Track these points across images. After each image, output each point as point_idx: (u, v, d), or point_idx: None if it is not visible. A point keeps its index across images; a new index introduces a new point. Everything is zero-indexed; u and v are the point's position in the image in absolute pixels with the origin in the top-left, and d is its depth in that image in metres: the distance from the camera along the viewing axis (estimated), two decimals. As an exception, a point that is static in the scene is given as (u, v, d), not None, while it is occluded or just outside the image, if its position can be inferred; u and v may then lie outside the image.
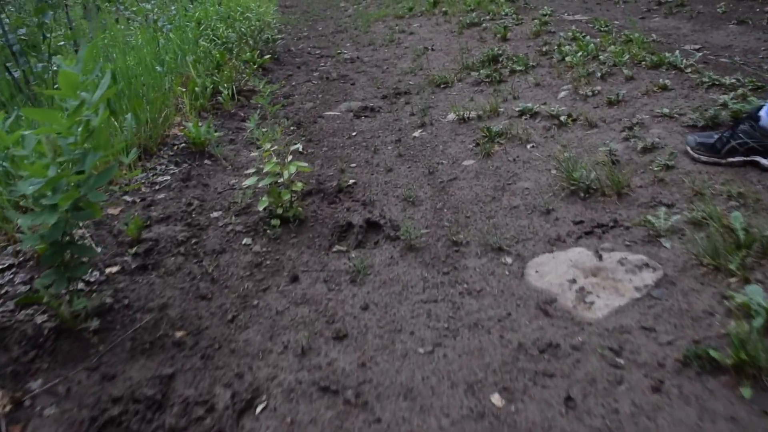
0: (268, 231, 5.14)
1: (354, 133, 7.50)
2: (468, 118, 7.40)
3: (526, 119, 7.05)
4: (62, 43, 8.66)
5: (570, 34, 9.84)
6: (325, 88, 9.54)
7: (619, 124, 6.35)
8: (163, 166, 6.49)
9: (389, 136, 7.32)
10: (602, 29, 10.28)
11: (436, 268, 4.48)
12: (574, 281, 4.06)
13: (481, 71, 8.85)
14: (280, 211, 5.27)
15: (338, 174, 6.39)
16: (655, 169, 5.24)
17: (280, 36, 13.60)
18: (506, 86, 8.26)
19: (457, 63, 9.72)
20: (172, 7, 12.43)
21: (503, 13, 12.00)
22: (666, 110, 6.27)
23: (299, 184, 5.43)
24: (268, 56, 10.58)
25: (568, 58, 8.00)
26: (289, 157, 5.31)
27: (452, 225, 5.08)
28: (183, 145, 6.96)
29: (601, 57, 8.27)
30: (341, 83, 9.74)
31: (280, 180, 5.22)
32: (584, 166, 5.30)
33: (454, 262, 4.52)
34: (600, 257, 4.23)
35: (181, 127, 7.22)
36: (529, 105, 7.17)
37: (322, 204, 5.73)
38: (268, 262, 4.75)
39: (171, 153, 6.83)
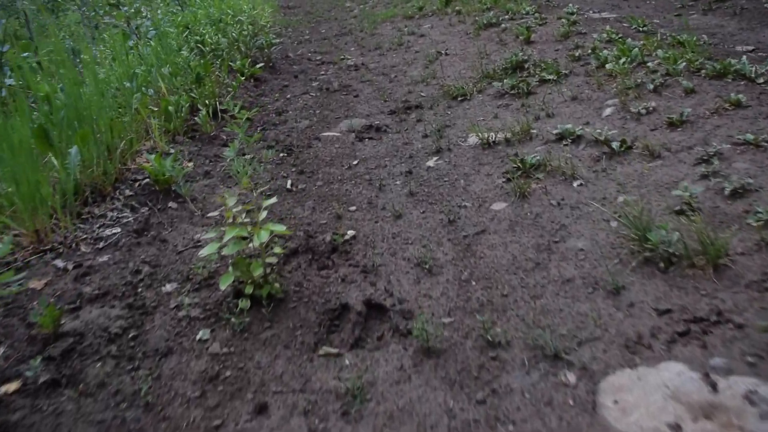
0: (232, 319, 3.67)
1: (355, 162, 6.03)
2: (494, 142, 5.91)
3: (566, 145, 5.54)
4: (26, 54, 7.21)
5: (605, 35, 8.32)
6: (324, 101, 8.07)
7: (689, 153, 4.85)
8: (116, 213, 5.04)
9: (398, 165, 5.85)
10: (641, 29, 8.73)
11: (465, 390, 3.00)
12: (678, 428, 2.57)
13: (505, 81, 7.35)
14: (249, 289, 3.81)
15: (333, 221, 4.93)
16: (755, 224, 3.72)
17: (278, 40, 12.12)
18: (536, 99, 6.76)
19: (475, 70, 8.21)
20: (159, 11, 10.95)
21: (524, 12, 10.57)
22: (749, 136, 4.76)
23: (278, 250, 3.97)
24: (261, 65, 9.09)
25: (609, 65, 6.46)
26: (263, 214, 3.83)
27: (484, 309, 3.60)
28: (146, 181, 5.51)
29: (649, 64, 6.75)
30: (343, 95, 8.27)
31: (252, 244, 3.75)
32: (663, 224, 3.78)
33: (491, 380, 3.05)
34: (713, 386, 2.73)
35: (146, 160, 5.77)
36: (569, 126, 5.66)
37: (309, 270, 4.26)
38: (228, 373, 3.28)
39: (129, 193, 5.37)
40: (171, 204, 5.30)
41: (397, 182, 5.52)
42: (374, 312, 3.76)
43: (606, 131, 5.34)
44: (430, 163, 5.80)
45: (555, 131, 5.72)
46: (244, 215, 3.85)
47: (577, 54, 7.82)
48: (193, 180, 5.73)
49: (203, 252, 3.82)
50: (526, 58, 7.95)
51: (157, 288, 4.06)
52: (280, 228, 3.73)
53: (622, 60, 6.85)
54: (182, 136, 6.75)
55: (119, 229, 4.79)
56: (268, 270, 3.91)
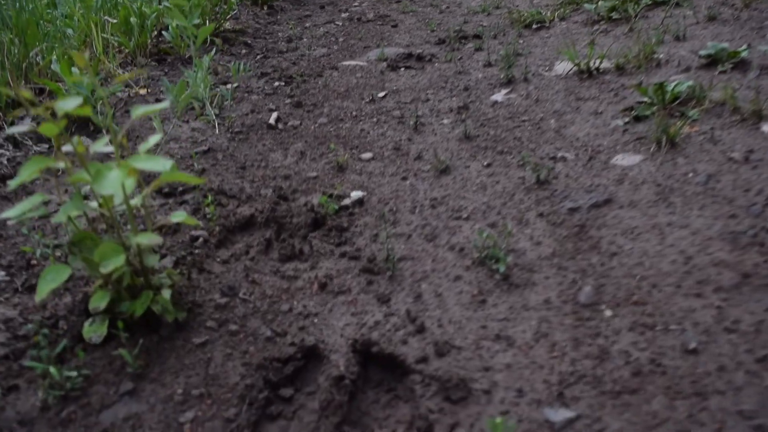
0: (67, 383, 1.46)
1: (382, 94, 3.75)
2: (597, 69, 3.58)
3: (724, 72, 3.19)
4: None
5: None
6: (351, 31, 5.78)
7: None
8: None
9: (446, 100, 3.55)
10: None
11: None
12: None
13: (599, 3, 4.96)
14: (101, 301, 1.60)
15: (330, 175, 2.70)
16: None
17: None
18: (650, 23, 4.37)
19: (553, -3, 5.81)
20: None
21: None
22: None
23: (181, 218, 1.73)
24: (280, -12, 6.83)
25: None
26: (145, 146, 1.61)
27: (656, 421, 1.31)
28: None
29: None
30: (378, 25, 5.97)
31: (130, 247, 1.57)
32: None
33: None
34: None
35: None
36: (724, 46, 3.30)
37: (262, 260, 2.05)
38: None
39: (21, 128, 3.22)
40: (83, 139, 3.11)
41: (444, 121, 3.24)
42: (378, 384, 1.54)
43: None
44: (498, 96, 3.50)
45: (702, 53, 3.37)
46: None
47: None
48: (129, 106, 3.54)
49: (9, 213, 1.61)
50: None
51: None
52: (184, 215, 1.54)
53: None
54: (146, 57, 4.56)
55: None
56: (152, 262, 1.69)
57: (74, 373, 1.53)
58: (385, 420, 1.44)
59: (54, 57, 3.61)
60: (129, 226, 1.81)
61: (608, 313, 1.68)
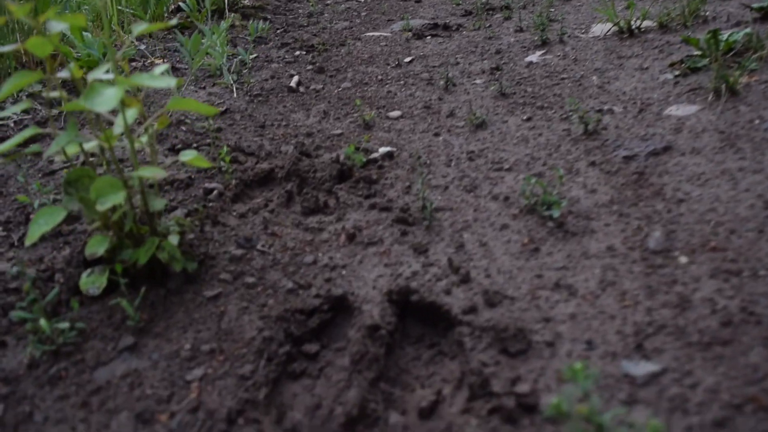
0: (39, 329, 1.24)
1: (408, 59, 3.51)
2: (638, 29, 3.31)
3: (781, 24, 2.92)
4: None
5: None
6: (374, 6, 5.53)
7: None
8: None
9: (477, 63, 3.30)
10: None
11: None
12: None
13: (635, -28, 4.67)
14: (99, 247, 1.38)
15: (356, 132, 2.46)
16: None
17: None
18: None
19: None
20: None
21: None
22: None
23: (181, 226, 1.51)
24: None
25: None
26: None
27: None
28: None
29: None
30: (401, 0, 5.71)
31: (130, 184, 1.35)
32: None
33: None
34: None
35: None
36: (778, -2, 3.03)
37: (283, 212, 1.82)
38: None
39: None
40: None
41: (477, 81, 2.99)
42: (418, 339, 1.30)
43: None
44: (533, 58, 3.24)
45: (756, 5, 3.09)
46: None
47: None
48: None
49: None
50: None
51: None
52: (194, 155, 1.36)
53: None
54: (163, 29, 4.36)
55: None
56: (158, 206, 1.46)
57: (66, 326, 1.31)
58: (429, 378, 1.20)
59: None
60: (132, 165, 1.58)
61: (683, 259, 1.43)
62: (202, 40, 3.26)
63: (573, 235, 1.58)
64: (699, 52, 2.69)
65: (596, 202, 1.73)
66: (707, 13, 3.32)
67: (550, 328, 1.25)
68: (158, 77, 1.31)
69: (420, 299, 1.33)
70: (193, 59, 2.88)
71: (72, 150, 1.49)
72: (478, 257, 1.53)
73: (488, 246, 1.57)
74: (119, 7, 4.14)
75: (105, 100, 1.20)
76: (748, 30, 2.60)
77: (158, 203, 1.49)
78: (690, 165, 1.87)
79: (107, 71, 1.43)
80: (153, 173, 1.35)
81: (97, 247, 1.39)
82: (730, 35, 2.63)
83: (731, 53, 2.62)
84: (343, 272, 1.52)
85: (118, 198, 1.33)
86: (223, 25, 3.38)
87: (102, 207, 1.31)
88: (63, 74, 1.44)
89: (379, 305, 1.33)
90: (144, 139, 1.51)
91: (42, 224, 1.37)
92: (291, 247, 1.65)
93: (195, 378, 1.21)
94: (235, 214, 1.83)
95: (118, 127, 1.40)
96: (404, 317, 1.34)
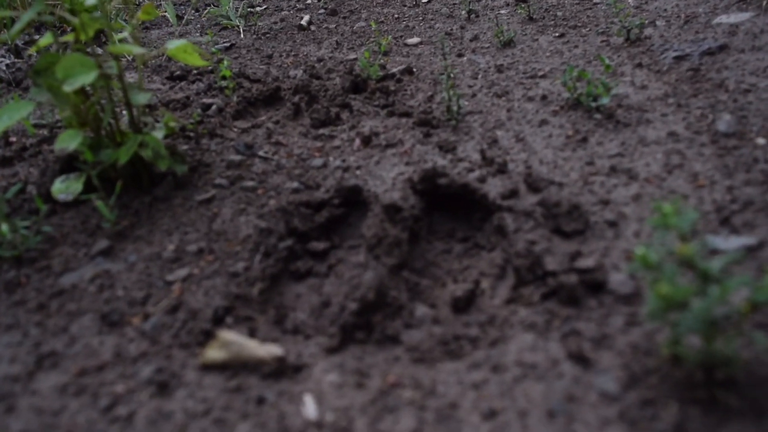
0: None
1: None
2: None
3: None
4: None
5: None
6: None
7: None
8: None
9: (501, -3, 3.04)
10: None
11: None
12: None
13: None
14: (74, 141, 1.15)
15: (372, 58, 2.22)
16: None
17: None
18: None
19: None
20: None
21: None
22: None
23: (168, 124, 1.28)
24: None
25: None
26: None
27: None
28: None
29: None
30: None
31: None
32: None
33: None
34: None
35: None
36: None
37: (289, 124, 1.58)
38: None
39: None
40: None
41: (502, 12, 2.73)
42: (449, 233, 1.07)
43: None
44: (560, -13, 2.97)
45: None
46: None
47: None
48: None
49: None
50: None
51: None
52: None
53: None
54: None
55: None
56: (141, 99, 1.24)
57: (28, 232, 1.09)
58: (463, 272, 0.96)
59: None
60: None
61: (761, 140, 1.18)
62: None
63: (626, 125, 1.33)
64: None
65: (648, 97, 1.47)
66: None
67: (611, 209, 1.01)
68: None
69: (450, 183, 1.08)
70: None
71: (45, 42, 1.27)
72: (515, 151, 1.29)
73: (527, 141, 1.33)
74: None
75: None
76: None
77: (141, 97, 1.26)
78: (752, 60, 1.61)
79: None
80: (130, 49, 1.13)
81: (69, 141, 1.17)
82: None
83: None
84: (358, 172, 1.28)
85: (89, 78, 1.11)
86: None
87: (70, 87, 1.09)
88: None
89: (401, 191, 1.09)
90: (129, 29, 1.29)
91: (6, 120, 1.16)
92: (298, 154, 1.42)
93: (177, 278, 0.98)
94: (236, 129, 1.60)
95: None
96: (431, 209, 1.10)
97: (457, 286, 0.92)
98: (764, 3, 2.06)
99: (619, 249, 0.91)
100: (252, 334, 0.84)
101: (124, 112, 1.30)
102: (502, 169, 1.18)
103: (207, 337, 0.85)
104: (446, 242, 1.04)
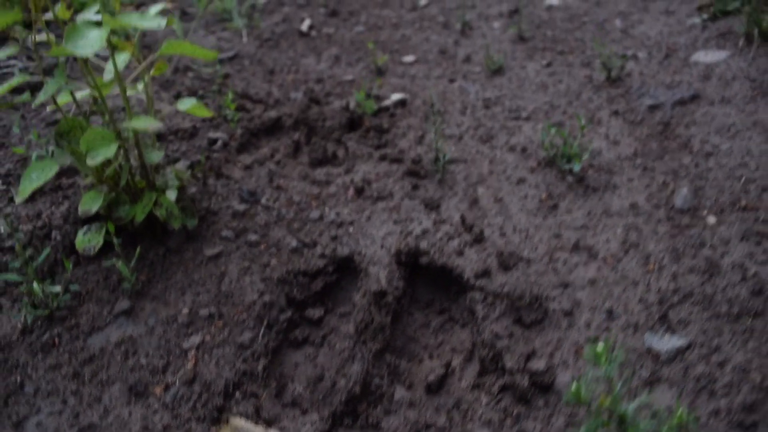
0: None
1: (424, 2, 3.32)
2: (666, -33, 3.11)
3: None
4: None
5: None
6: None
7: None
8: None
9: (494, 5, 3.13)
10: None
11: None
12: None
13: None
14: (93, 202, 1.29)
15: (368, 79, 2.33)
16: None
17: None
18: None
19: None
20: None
21: None
22: None
23: (180, 179, 1.41)
24: None
25: None
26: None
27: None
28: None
29: None
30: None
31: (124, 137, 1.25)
32: None
33: None
34: None
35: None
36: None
37: (290, 163, 1.71)
38: None
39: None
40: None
41: (494, 25, 2.82)
42: (427, 304, 1.21)
43: None
44: (553, 0, 3.05)
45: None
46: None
47: None
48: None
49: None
50: None
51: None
52: (194, 103, 1.21)
53: None
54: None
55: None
56: (155, 158, 1.37)
57: (59, 290, 1.23)
58: (438, 348, 1.11)
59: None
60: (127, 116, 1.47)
61: (712, 219, 1.32)
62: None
63: (594, 190, 1.46)
64: (730, -8, 2.50)
65: (619, 155, 1.61)
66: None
67: (569, 294, 1.16)
68: (149, 17, 1.19)
69: (430, 261, 1.23)
70: (200, 0, 2.74)
71: (63, 99, 1.39)
72: (492, 214, 1.43)
73: (504, 201, 1.47)
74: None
75: (88, 43, 1.09)
76: (784, -32, 2.40)
77: (155, 156, 1.39)
78: (719, 115, 1.73)
79: (97, 12, 1.31)
80: (147, 125, 1.25)
81: (91, 204, 1.30)
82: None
83: (764, -7, 2.44)
84: (350, 229, 1.42)
85: (110, 151, 1.24)
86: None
87: (93, 161, 1.22)
88: (49, 15, 1.33)
89: (387, 267, 1.23)
90: (140, 86, 1.41)
91: (34, 179, 1.29)
92: (297, 202, 1.55)
93: (192, 346, 1.13)
94: (240, 165, 1.73)
95: (108, 74, 1.29)
96: (413, 280, 1.25)
97: (432, 363, 1.07)
98: (740, 43, 2.17)
99: (571, 341, 1.06)
100: (257, 411, 1.00)
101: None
102: (478, 239, 1.32)
103: (220, 412, 1.00)
104: (425, 314, 1.19)
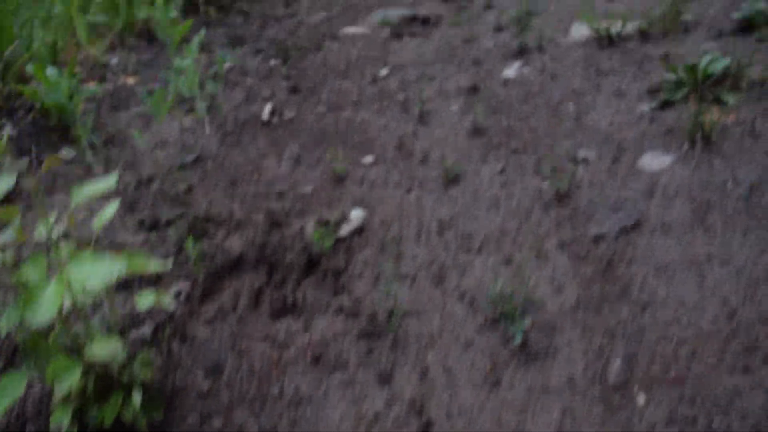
0: None
1: (385, 72, 3.40)
2: (618, 35, 3.20)
3: (762, 41, 2.82)
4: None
5: None
6: (355, -12, 5.33)
7: None
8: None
9: (454, 76, 3.21)
10: None
11: None
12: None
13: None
14: (60, 413, 1.37)
15: (329, 188, 2.40)
16: None
17: None
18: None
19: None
20: None
21: None
22: None
23: (145, 373, 1.49)
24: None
25: None
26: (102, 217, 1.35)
27: None
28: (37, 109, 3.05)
29: None
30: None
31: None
32: None
33: None
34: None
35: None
36: (760, 7, 2.92)
37: (252, 318, 1.79)
38: None
39: (10, 131, 2.96)
40: (64, 152, 2.84)
41: (453, 107, 2.90)
42: None
43: None
44: (510, 72, 3.13)
45: (734, 16, 2.98)
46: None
47: None
48: (121, 106, 3.25)
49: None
50: None
51: None
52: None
53: None
54: (136, 37, 4.22)
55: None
56: (118, 363, 1.44)
57: None
58: None
59: (30, 55, 3.29)
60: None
61: (641, 399, 1.41)
62: (177, 65, 3.16)
63: (535, 358, 1.55)
64: (676, 78, 2.59)
65: (561, 306, 1.69)
66: (689, 17, 3.19)
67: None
68: (103, 263, 1.26)
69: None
70: (159, 109, 2.80)
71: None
72: (441, 388, 1.51)
73: (452, 372, 1.55)
74: (88, 17, 4.00)
75: (44, 310, 1.17)
76: (726, 62, 2.48)
77: (116, 363, 1.47)
78: (658, 249, 1.83)
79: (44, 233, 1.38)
80: (107, 351, 1.33)
81: (62, 419, 1.38)
82: (709, 63, 2.52)
83: (710, 80, 2.53)
84: (308, 411, 1.51)
85: (75, 375, 1.31)
86: (195, 42, 3.25)
87: (61, 391, 1.30)
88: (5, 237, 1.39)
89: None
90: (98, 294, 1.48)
91: (6, 396, 1.36)
92: (258, 370, 1.63)
93: None
94: (203, 320, 1.81)
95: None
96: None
97: None
98: (684, 147, 2.26)
99: None
100: None
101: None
102: (426, 426, 1.41)
103: None
104: None
